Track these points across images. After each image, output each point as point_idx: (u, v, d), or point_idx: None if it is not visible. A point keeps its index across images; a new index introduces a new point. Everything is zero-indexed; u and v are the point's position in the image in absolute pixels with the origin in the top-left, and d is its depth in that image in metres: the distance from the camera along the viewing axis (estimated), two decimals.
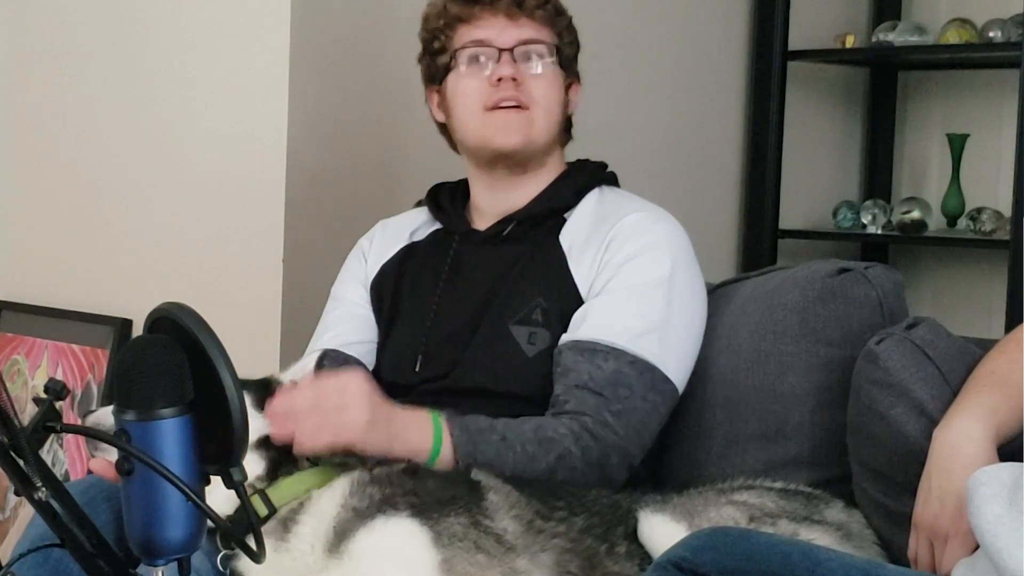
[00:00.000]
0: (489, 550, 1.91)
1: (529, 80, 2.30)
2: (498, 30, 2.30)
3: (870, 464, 2.07)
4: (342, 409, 1.98)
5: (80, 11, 3.35)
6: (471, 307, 2.29)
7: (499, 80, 2.28)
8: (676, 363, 2.22)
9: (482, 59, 2.30)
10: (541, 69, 2.31)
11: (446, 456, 2.08)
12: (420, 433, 2.07)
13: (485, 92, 2.29)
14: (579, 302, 2.25)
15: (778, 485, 2.10)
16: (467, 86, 2.31)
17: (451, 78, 2.33)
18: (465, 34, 2.31)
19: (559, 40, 2.34)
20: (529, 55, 2.31)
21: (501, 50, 2.29)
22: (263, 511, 1.93)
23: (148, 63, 3.22)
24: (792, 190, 3.99)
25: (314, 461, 1.98)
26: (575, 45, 2.39)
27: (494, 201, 2.36)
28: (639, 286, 2.22)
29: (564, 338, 2.22)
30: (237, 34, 3.06)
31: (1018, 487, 1.63)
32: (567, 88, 2.36)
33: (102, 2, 3.32)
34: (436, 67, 2.36)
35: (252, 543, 1.38)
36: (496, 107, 2.29)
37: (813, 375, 2.22)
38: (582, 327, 2.21)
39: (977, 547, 1.70)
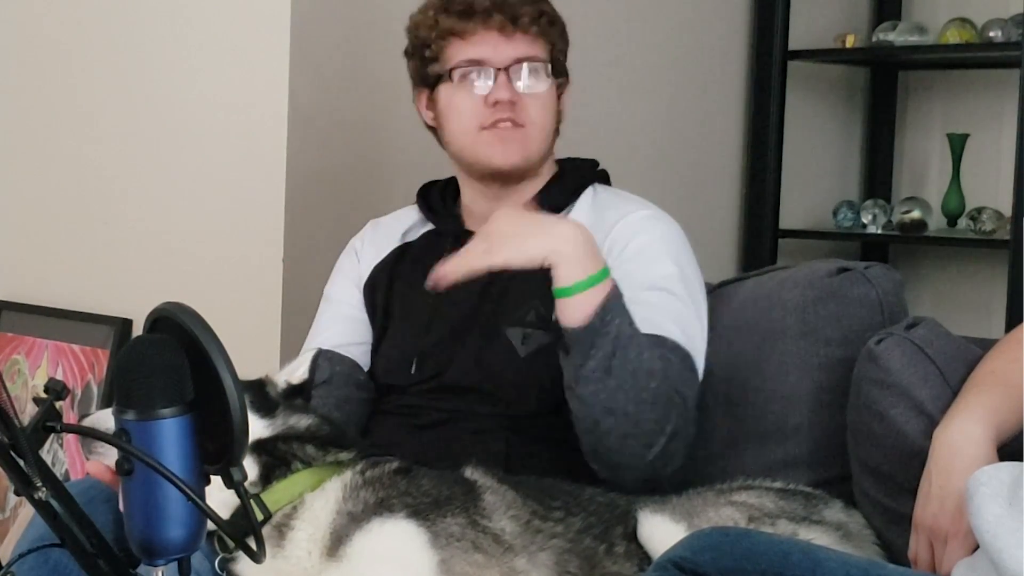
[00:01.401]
0: (487, 550, 1.91)
1: (525, 99, 2.28)
2: (492, 47, 2.27)
3: (869, 464, 2.07)
4: (497, 233, 2.02)
5: (80, 11, 3.35)
6: (466, 309, 2.28)
7: (496, 102, 2.26)
8: (699, 354, 2.20)
9: (477, 77, 2.28)
10: (535, 86, 2.28)
11: (596, 293, 2.01)
12: (590, 255, 2.03)
13: (481, 112, 2.27)
14: None
15: (777, 485, 2.10)
16: (462, 105, 2.29)
17: (443, 90, 2.31)
18: (459, 50, 2.28)
19: (553, 50, 2.32)
20: (524, 72, 2.28)
21: (497, 69, 2.27)
22: (258, 516, 1.92)
23: (148, 63, 3.22)
24: (792, 190, 3.99)
25: (307, 463, 1.98)
26: (566, 47, 2.37)
27: (487, 206, 2.35)
28: (647, 285, 2.20)
29: None
30: (237, 34, 3.06)
31: (1018, 487, 1.63)
32: (559, 96, 2.35)
33: (102, 2, 3.32)
34: (427, 73, 2.33)
35: (251, 543, 1.38)
36: (492, 126, 2.28)
37: (813, 375, 2.23)
38: None
39: (977, 547, 1.70)
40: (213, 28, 3.10)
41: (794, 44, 3.91)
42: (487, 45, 2.27)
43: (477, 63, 2.28)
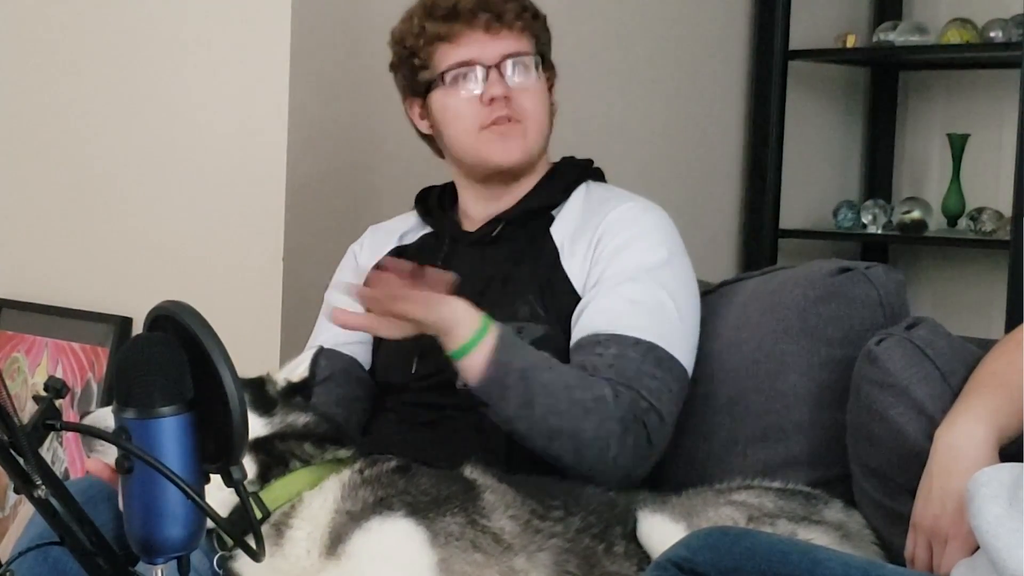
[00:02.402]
0: (486, 549, 1.91)
1: (518, 94, 2.30)
2: (480, 46, 2.29)
3: (869, 464, 2.07)
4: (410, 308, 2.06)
5: (81, 10, 3.35)
6: None
7: (491, 100, 2.28)
8: (679, 343, 2.21)
9: (469, 77, 2.29)
10: (527, 80, 2.31)
11: (483, 347, 2.08)
12: (467, 316, 2.09)
13: (478, 112, 2.29)
14: (573, 296, 2.25)
15: (776, 485, 2.10)
16: (458, 107, 2.31)
17: (437, 96, 2.33)
18: (448, 54, 2.30)
19: (538, 43, 2.35)
20: (514, 67, 2.30)
21: (487, 67, 2.29)
22: (257, 514, 1.92)
23: (150, 64, 3.22)
24: (792, 190, 3.99)
25: (305, 461, 1.98)
26: (549, 40, 2.39)
27: (485, 207, 2.37)
28: (633, 274, 2.22)
29: (571, 344, 2.22)
30: (238, 34, 3.06)
31: (1018, 488, 1.63)
32: (549, 89, 2.37)
33: (103, 2, 3.31)
34: (417, 82, 2.35)
35: (250, 541, 1.38)
36: (491, 125, 2.29)
37: (814, 374, 2.22)
38: (582, 324, 2.21)
39: (977, 548, 1.70)
40: (214, 29, 3.10)
41: (795, 44, 3.91)
42: (475, 45, 2.29)
43: (467, 64, 2.29)
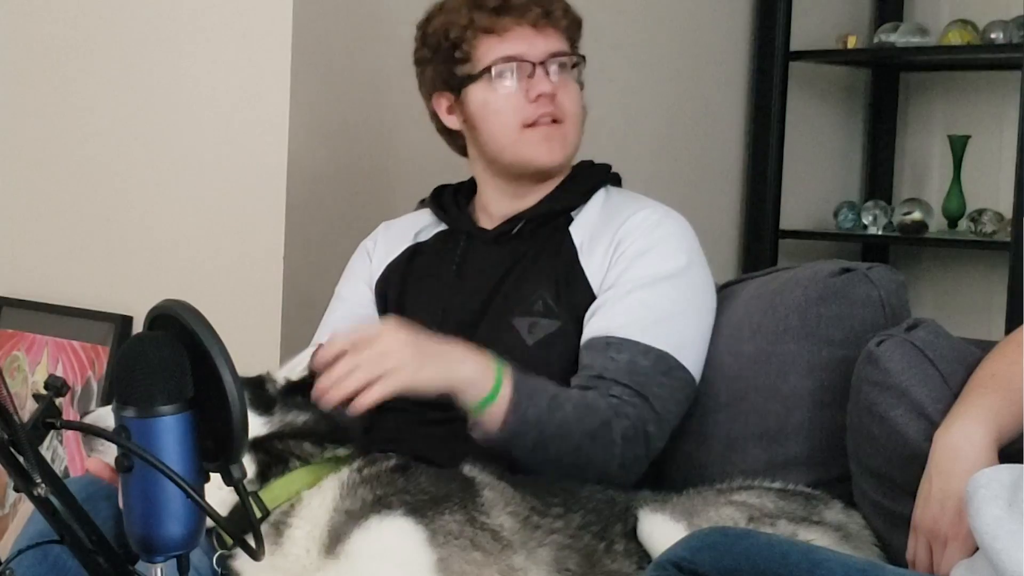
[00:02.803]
0: (485, 547, 1.91)
1: (562, 94, 2.29)
2: (527, 43, 2.28)
3: (869, 465, 2.07)
4: (384, 356, 1.98)
5: (81, 9, 3.35)
6: (478, 304, 2.29)
7: (537, 96, 2.27)
8: (689, 352, 2.23)
9: (515, 73, 2.28)
10: (571, 82, 2.31)
11: (502, 402, 2.07)
12: (481, 371, 2.07)
13: (523, 109, 2.28)
14: (589, 293, 2.26)
15: (777, 485, 2.10)
16: (501, 103, 2.28)
17: (476, 90, 2.30)
18: (495, 47, 2.28)
19: (574, 45, 2.35)
20: (560, 67, 2.30)
21: (534, 64, 2.28)
22: (256, 513, 1.92)
23: (150, 62, 3.22)
24: (793, 190, 3.99)
25: (304, 460, 1.98)
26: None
27: (507, 204, 2.36)
28: (650, 279, 2.23)
29: (582, 340, 2.23)
30: (239, 33, 3.06)
31: (1018, 489, 1.63)
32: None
33: (104, 1, 3.31)
34: (453, 75, 2.32)
35: (249, 540, 1.38)
36: (535, 124, 2.28)
37: (815, 375, 2.22)
38: (596, 324, 2.22)
39: (977, 550, 1.70)
40: (215, 27, 3.10)
41: (796, 45, 3.91)
42: (523, 41, 2.28)
43: (515, 59, 2.28)
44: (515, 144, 2.29)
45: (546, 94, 2.27)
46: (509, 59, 2.28)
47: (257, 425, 1.96)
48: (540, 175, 2.33)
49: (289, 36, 2.94)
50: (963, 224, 3.96)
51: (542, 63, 2.28)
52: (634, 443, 2.14)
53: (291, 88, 2.95)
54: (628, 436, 2.14)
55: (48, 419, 1.30)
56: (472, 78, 2.30)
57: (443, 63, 2.33)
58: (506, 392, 2.08)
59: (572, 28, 2.34)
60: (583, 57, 2.35)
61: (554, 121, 2.29)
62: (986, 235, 3.83)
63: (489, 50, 2.29)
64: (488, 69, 2.28)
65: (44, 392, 1.31)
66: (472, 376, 2.06)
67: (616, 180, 2.42)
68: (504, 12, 2.28)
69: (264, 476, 1.95)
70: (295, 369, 2.06)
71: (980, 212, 3.87)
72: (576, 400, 2.13)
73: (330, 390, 1.97)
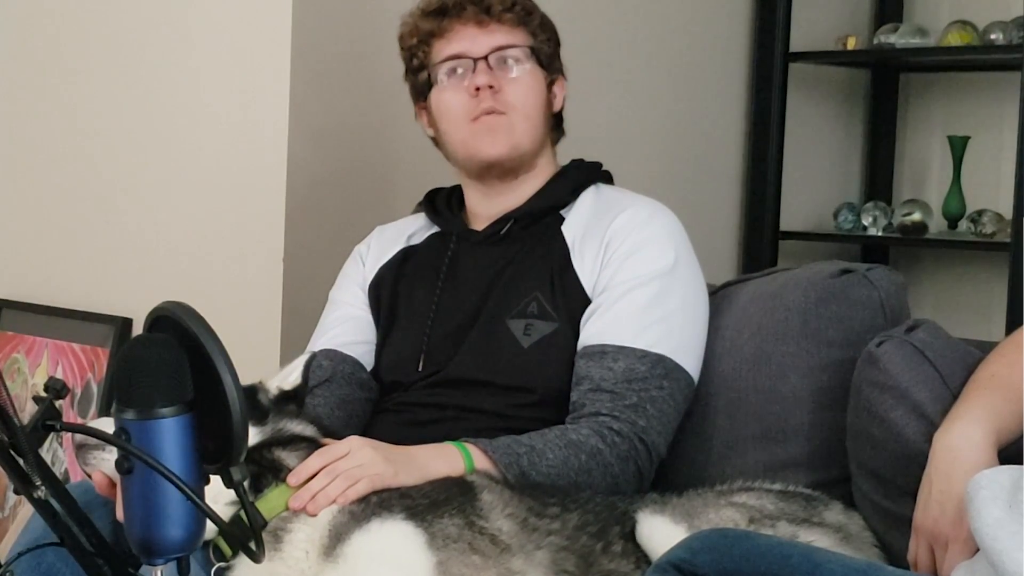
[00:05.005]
0: (484, 551, 1.91)
1: (506, 86, 2.30)
2: (470, 40, 2.31)
3: (869, 466, 2.07)
4: (361, 466, 1.97)
5: (81, 10, 3.35)
6: (470, 305, 2.30)
7: (477, 90, 2.29)
8: (686, 352, 2.23)
9: (459, 71, 2.31)
10: (516, 73, 2.32)
11: (480, 462, 2.07)
12: (450, 461, 2.07)
13: (467, 104, 2.30)
14: (583, 296, 2.26)
15: (777, 487, 2.10)
16: (449, 100, 2.32)
17: (434, 94, 2.35)
18: (441, 49, 2.32)
19: (534, 40, 2.35)
20: (504, 60, 2.31)
21: (476, 59, 2.30)
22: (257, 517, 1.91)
23: (150, 64, 3.22)
24: (793, 191, 3.99)
25: None
26: (553, 41, 2.39)
27: (489, 205, 2.37)
28: (641, 280, 2.23)
29: (578, 346, 2.23)
30: (239, 35, 3.06)
31: (1018, 490, 1.63)
32: (549, 86, 2.37)
33: (104, 3, 3.31)
34: (419, 84, 2.37)
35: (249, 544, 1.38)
36: (479, 117, 2.30)
37: (814, 376, 2.22)
38: (590, 331, 2.22)
39: (977, 551, 1.70)
40: (215, 29, 3.10)
41: (795, 46, 3.91)
42: (465, 39, 2.32)
43: (456, 57, 2.31)
44: (464, 140, 2.32)
45: (484, 86, 2.28)
46: (451, 58, 2.31)
47: (250, 435, 1.94)
48: (498, 170, 2.33)
49: (289, 38, 2.94)
50: (963, 225, 3.96)
51: (484, 58, 2.30)
52: (632, 458, 2.15)
53: (291, 91, 2.95)
54: (623, 455, 2.15)
55: (48, 421, 1.30)
56: (429, 84, 2.34)
57: (412, 74, 2.39)
58: (482, 461, 2.07)
59: (523, 19, 2.34)
60: (532, 48, 2.34)
61: (497, 113, 2.29)
62: (986, 236, 3.83)
63: (437, 52, 2.33)
64: (436, 69, 2.33)
65: (44, 394, 1.31)
66: (444, 469, 2.05)
67: (607, 178, 2.42)
68: (444, 14, 2.33)
69: (257, 487, 1.94)
70: (287, 378, 2.05)
71: (980, 213, 3.87)
72: (554, 442, 2.13)
73: (310, 502, 1.93)
